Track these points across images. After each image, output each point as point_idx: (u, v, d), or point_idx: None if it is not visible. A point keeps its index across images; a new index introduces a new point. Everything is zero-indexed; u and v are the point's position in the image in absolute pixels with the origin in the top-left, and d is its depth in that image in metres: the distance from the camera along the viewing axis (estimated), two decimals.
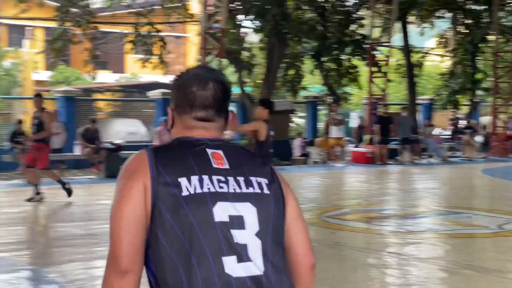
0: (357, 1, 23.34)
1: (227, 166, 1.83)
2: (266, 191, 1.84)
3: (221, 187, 1.78)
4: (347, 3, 23.52)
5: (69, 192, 10.92)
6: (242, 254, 1.74)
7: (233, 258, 1.73)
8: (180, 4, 21.43)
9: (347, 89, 25.38)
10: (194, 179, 1.77)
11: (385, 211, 10.63)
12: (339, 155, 19.18)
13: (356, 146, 21.16)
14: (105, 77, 34.16)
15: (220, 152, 1.85)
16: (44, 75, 32.43)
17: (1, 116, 21.19)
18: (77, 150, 16.72)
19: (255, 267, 1.74)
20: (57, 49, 20.42)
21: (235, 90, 23.09)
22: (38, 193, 10.87)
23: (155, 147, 1.84)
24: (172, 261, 1.71)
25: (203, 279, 1.69)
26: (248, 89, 22.55)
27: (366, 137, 20.52)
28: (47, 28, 29.39)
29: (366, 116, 22.01)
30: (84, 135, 16.50)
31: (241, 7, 21.26)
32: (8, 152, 16.32)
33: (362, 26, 23.41)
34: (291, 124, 23.96)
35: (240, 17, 21.88)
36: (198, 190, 1.76)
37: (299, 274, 1.90)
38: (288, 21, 20.73)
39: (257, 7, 20.68)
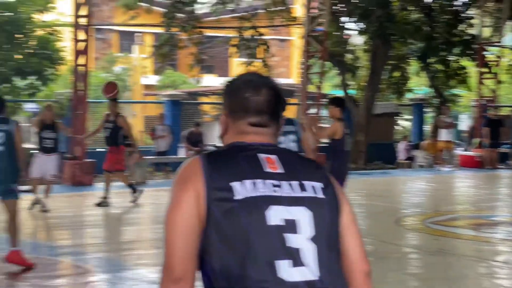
0: (466, 0, 22.62)
1: (280, 171, 1.82)
2: (320, 195, 1.83)
3: (274, 191, 1.78)
4: (455, 3, 22.85)
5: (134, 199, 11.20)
6: (296, 259, 1.73)
7: (287, 262, 1.71)
8: (283, 8, 21.47)
9: (456, 91, 24.63)
10: (247, 183, 1.77)
11: (495, 218, 10.24)
12: (447, 159, 18.63)
13: (465, 149, 20.49)
14: (211, 80, 34.76)
15: (273, 156, 1.85)
16: (153, 79, 33.33)
17: None
18: (182, 153, 17.05)
19: (309, 271, 1.73)
20: (164, 54, 20.95)
21: (339, 93, 22.90)
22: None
23: (208, 153, 1.86)
24: (226, 265, 1.71)
25: (256, 282, 1.69)
26: (351, 91, 22.29)
27: (475, 141, 19.86)
28: (155, 34, 30.22)
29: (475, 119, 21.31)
30: (188, 138, 16.81)
31: (344, 9, 21.07)
32: None
33: (471, 25, 22.67)
34: (396, 127, 23.50)
35: (343, 19, 21.67)
36: (251, 194, 1.75)
37: (354, 281, 1.87)
38: (393, 22, 20.35)
39: (360, 9, 20.42)
